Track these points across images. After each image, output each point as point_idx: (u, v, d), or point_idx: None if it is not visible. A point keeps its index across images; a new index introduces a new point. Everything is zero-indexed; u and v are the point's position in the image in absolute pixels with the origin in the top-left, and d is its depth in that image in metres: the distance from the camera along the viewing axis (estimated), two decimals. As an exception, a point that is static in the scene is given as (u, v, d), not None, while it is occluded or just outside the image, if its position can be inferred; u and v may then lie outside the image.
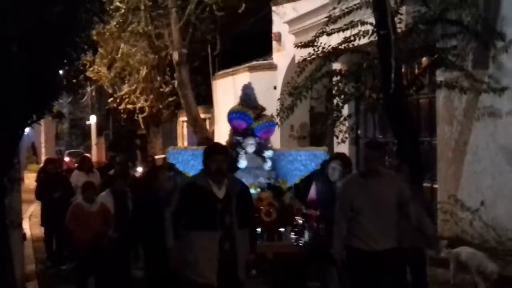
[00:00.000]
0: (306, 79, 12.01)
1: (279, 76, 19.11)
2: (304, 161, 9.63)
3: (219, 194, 5.84)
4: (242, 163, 9.39)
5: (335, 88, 12.17)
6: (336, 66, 13.38)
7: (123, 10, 21.19)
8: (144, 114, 25.23)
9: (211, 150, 5.98)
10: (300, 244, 8.51)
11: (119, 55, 22.98)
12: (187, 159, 9.46)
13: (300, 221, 8.72)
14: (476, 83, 11.15)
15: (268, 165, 9.49)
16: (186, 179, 8.13)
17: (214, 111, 24.19)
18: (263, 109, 9.90)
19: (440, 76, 11.78)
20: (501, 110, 11.07)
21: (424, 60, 11.89)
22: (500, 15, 11.03)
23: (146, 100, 24.69)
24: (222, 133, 23.03)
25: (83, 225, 9.12)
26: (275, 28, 19.55)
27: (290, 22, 17.40)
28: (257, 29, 20.54)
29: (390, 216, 6.53)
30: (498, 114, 11.14)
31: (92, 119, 43.17)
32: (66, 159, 32.03)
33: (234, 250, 5.84)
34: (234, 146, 9.53)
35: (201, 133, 21.23)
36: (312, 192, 8.77)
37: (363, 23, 11.33)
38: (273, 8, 19.38)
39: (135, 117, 25.43)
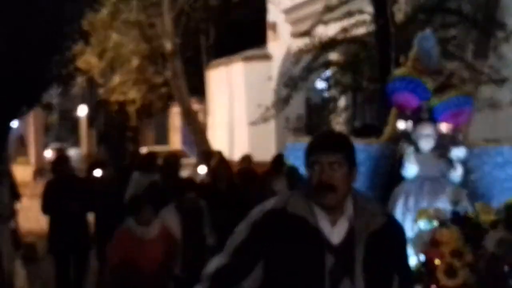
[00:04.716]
0: (302, 70, 11.91)
1: (274, 67, 18.89)
2: None
3: (332, 236, 3.01)
4: (410, 169, 5.48)
5: (332, 79, 12.08)
6: (333, 56, 13.21)
7: (114, -1, 21.00)
8: (136, 106, 25.04)
9: (314, 144, 3.10)
10: None
11: (110, 44, 22.77)
12: None
13: None
14: (476, 74, 11.00)
15: (457, 174, 5.51)
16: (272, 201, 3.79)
17: (207, 103, 24.01)
18: (452, 75, 6.06)
19: (440, 66, 11.62)
20: (501, 101, 10.91)
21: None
22: (500, 4, 10.92)
23: (137, 91, 24.48)
24: (216, 125, 22.90)
25: (135, 261, 6.19)
26: (270, 17, 19.35)
27: (286, 11, 17.20)
28: (252, 18, 20.37)
29: None
30: (498, 105, 11.00)
31: (82, 111, 42.91)
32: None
33: None
34: (397, 139, 5.73)
35: (193, 125, 21.05)
36: None
37: (361, 12, 11.17)
38: (269, -4, 19.18)
39: (127, 109, 25.24)
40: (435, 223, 5.01)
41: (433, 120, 5.61)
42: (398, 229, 3.16)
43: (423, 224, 5.05)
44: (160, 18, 20.99)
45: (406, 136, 5.58)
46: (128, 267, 6.18)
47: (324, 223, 3.01)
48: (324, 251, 2.97)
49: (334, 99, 12.17)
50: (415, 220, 5.12)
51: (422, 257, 4.92)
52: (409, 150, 5.51)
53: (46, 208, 8.96)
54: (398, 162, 5.56)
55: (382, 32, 10.11)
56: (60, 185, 8.86)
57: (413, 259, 4.89)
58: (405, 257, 3.19)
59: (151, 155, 10.06)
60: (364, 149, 5.60)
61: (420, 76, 5.64)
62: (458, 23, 11.03)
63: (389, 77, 9.75)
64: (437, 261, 4.83)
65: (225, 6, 20.40)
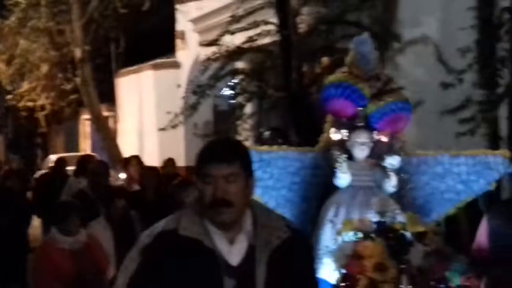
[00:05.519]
0: (210, 78, 12.17)
1: (183, 75, 19.11)
2: (464, 174, 5.32)
3: (230, 256, 2.70)
4: (343, 178, 5.14)
5: (239, 86, 12.41)
6: (240, 65, 13.59)
7: (23, 5, 20.74)
8: (45, 112, 24.72)
9: (205, 154, 2.75)
10: None
11: (18, 51, 22.46)
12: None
13: None
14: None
15: (391, 183, 5.15)
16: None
17: (117, 109, 23.99)
18: (390, 80, 5.54)
19: (340, 75, 12.09)
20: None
21: (325, 60, 12.19)
22: (396, 18, 11.31)
23: (47, 98, 24.17)
24: (126, 132, 22.92)
25: (58, 276, 5.48)
26: (179, 27, 19.57)
27: (194, 21, 17.46)
28: (162, 27, 20.50)
29: None
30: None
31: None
32: None
33: None
34: (331, 148, 5.33)
35: (104, 132, 21.00)
36: (482, 235, 4.79)
37: (266, 23, 11.58)
38: (177, 6, 19.38)
39: (36, 115, 24.91)
40: (360, 234, 4.54)
41: (370, 127, 5.22)
42: (303, 244, 2.87)
43: (347, 236, 4.61)
44: (69, 25, 20.88)
45: (340, 144, 5.21)
46: (55, 280, 5.51)
47: (220, 243, 2.69)
48: (223, 274, 2.65)
49: (240, 106, 12.47)
50: (339, 232, 4.73)
51: (343, 271, 4.51)
52: (341, 158, 5.11)
53: None
54: (332, 172, 5.19)
55: (285, 42, 10.50)
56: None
57: (334, 274, 4.60)
58: (312, 274, 2.90)
59: (86, 159, 9.47)
60: (298, 158, 5.33)
61: (356, 82, 5.25)
62: (358, 35, 11.46)
63: (291, 85, 10.31)
64: (358, 276, 4.36)
65: (135, 14, 20.45)
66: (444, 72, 9.81)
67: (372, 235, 4.54)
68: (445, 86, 9.42)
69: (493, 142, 9.09)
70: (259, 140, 8.82)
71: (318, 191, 5.34)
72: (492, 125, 9.27)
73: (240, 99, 12.50)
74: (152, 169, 8.51)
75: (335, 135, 5.25)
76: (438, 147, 6.23)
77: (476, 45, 9.30)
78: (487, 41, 9.33)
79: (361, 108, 5.24)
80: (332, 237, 4.83)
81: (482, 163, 5.30)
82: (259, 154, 5.12)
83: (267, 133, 7.20)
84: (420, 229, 4.60)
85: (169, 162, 10.22)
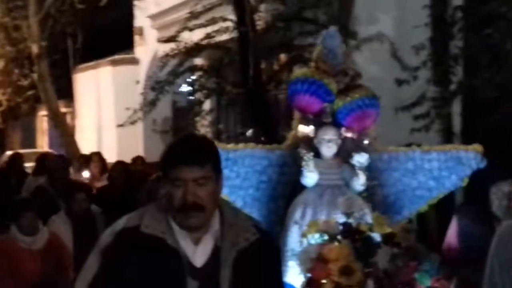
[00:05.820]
0: (168, 74, 12.22)
1: (141, 71, 19.13)
2: (436, 170, 5.17)
3: (194, 257, 2.57)
4: (310, 177, 4.95)
5: (197, 83, 12.47)
6: (198, 61, 13.66)
7: (-23, 1, 20.50)
8: (2, 108, 24.50)
9: (173, 156, 2.57)
10: None
11: None
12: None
13: None
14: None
15: (360, 181, 4.98)
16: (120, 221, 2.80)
17: (75, 105, 23.87)
18: (357, 75, 5.34)
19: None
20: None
21: (283, 56, 12.33)
22: (353, 15, 11.45)
23: (3, 94, 23.95)
24: (84, 128, 22.82)
25: (17, 276, 5.38)
26: (137, 23, 19.57)
27: (153, 17, 17.50)
28: (120, 23, 20.46)
29: None
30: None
31: None
32: None
33: None
34: (298, 145, 5.15)
35: (61, 128, 20.86)
36: (452, 234, 4.99)
37: (224, 19, 11.66)
38: (136, 2, 19.35)
39: (-9, 111, 24.67)
40: (325, 236, 4.34)
41: (337, 124, 5.05)
42: (270, 246, 2.74)
43: (312, 238, 4.45)
44: (26, 20, 20.70)
45: (307, 142, 5.00)
46: (11, 282, 5.35)
47: (185, 243, 2.55)
48: (186, 275, 2.52)
49: (199, 102, 12.55)
50: (304, 234, 4.58)
51: (308, 275, 4.40)
52: (307, 156, 4.89)
53: None
54: (300, 170, 4.99)
55: (243, 39, 10.60)
56: None
57: (299, 278, 4.50)
58: (279, 277, 2.79)
59: (45, 158, 9.34)
60: (265, 156, 5.21)
61: (322, 77, 5.03)
62: (315, 32, 11.62)
63: (249, 82, 10.38)
64: (323, 280, 4.19)
65: (92, 10, 20.36)
66: (399, 69, 9.99)
67: (338, 237, 4.36)
68: (400, 82, 9.58)
69: (447, 138, 9.28)
70: (218, 137, 8.88)
71: (286, 190, 5.22)
72: (445, 121, 9.45)
73: (198, 95, 12.58)
74: (121, 163, 8.50)
75: (303, 131, 5.05)
76: (393, 143, 6.37)
77: (430, 43, 9.47)
78: (440, 39, 9.51)
79: (328, 104, 5.07)
80: (298, 239, 4.72)
81: (453, 158, 5.15)
82: (225, 152, 4.90)
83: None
84: (387, 230, 4.43)
85: (138, 160, 10.18)
